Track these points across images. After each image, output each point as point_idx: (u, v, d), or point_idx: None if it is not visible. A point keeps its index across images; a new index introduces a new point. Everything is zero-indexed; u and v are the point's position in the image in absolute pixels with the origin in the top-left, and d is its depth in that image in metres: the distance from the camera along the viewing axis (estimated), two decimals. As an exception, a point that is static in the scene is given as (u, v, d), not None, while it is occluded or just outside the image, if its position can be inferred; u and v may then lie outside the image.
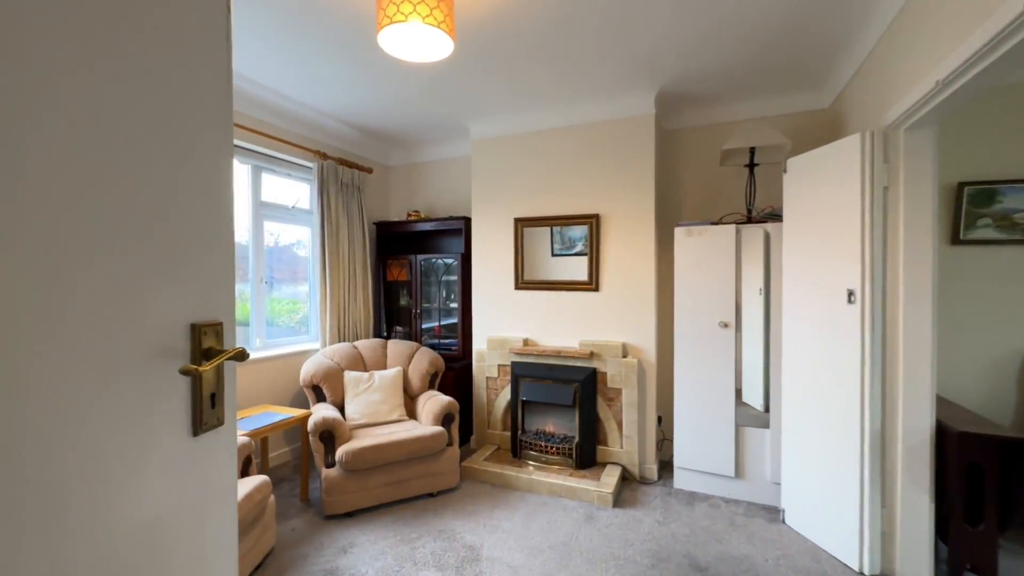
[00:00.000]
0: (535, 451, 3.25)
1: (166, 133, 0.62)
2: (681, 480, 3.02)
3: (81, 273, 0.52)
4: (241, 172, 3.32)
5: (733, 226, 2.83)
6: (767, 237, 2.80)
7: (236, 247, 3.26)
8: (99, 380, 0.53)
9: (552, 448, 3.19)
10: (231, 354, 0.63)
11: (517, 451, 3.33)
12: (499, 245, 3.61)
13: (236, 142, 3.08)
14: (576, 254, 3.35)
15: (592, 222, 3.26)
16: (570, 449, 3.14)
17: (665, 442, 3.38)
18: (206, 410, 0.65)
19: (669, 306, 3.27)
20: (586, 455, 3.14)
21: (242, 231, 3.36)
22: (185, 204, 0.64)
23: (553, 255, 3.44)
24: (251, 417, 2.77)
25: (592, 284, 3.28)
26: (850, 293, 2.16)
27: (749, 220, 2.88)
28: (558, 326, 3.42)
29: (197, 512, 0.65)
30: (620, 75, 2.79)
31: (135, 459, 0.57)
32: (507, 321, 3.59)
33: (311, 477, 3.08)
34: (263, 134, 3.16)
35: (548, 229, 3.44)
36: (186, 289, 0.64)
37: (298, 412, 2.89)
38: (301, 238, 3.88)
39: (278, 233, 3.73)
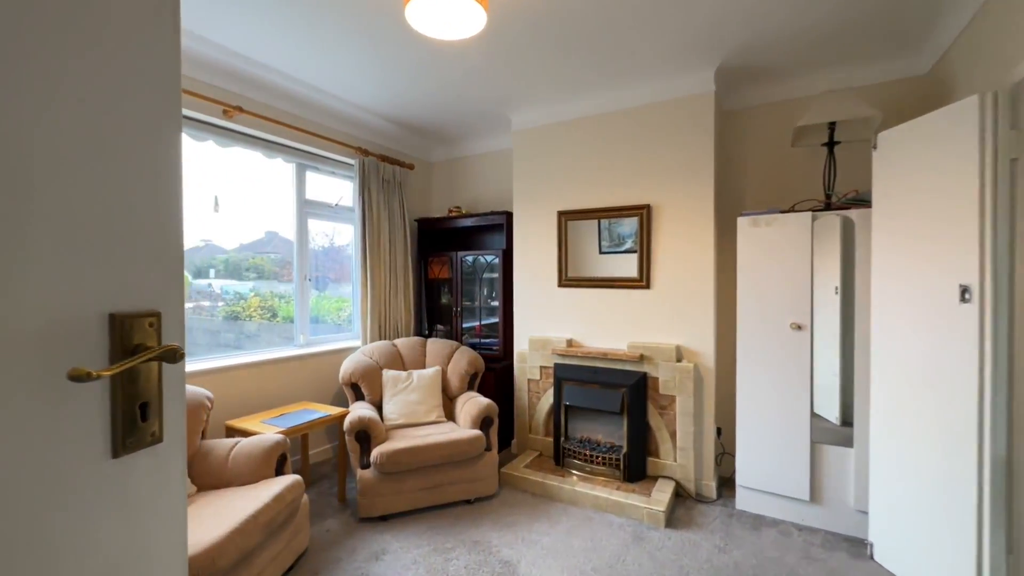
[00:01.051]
0: (579, 460, 3.02)
1: (87, 63, 0.49)
2: (744, 500, 2.68)
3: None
4: (286, 171, 3.35)
5: (808, 214, 2.47)
6: (847, 226, 2.42)
7: (282, 245, 3.37)
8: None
9: (598, 457, 2.95)
10: (154, 353, 0.50)
11: (560, 459, 3.12)
12: (542, 240, 3.42)
13: (280, 140, 3.09)
14: (625, 251, 3.09)
15: (643, 213, 2.99)
16: (617, 460, 2.89)
17: (725, 456, 3.04)
18: (132, 424, 0.52)
19: (730, 305, 2.94)
20: (635, 467, 2.88)
21: (287, 229, 3.38)
22: (107, 163, 0.51)
23: (601, 252, 3.20)
24: (289, 414, 2.76)
25: (642, 281, 3.01)
26: (963, 290, 1.78)
27: (828, 207, 2.50)
28: (604, 326, 3.17)
29: (120, 553, 0.51)
30: (675, 49, 2.51)
31: (15, 489, 0.44)
32: (550, 320, 3.39)
33: (348, 477, 3.03)
34: (305, 131, 3.15)
35: (595, 223, 3.20)
36: (106, 269, 0.50)
37: (335, 410, 2.85)
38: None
39: (332, 234, 3.76)
